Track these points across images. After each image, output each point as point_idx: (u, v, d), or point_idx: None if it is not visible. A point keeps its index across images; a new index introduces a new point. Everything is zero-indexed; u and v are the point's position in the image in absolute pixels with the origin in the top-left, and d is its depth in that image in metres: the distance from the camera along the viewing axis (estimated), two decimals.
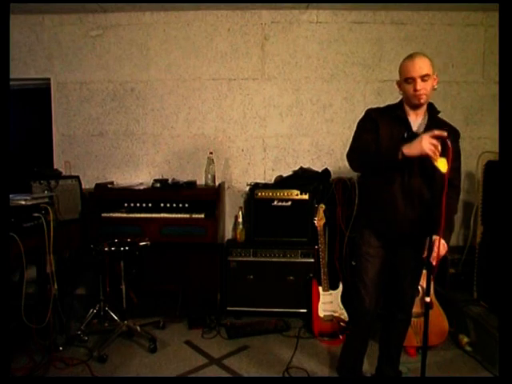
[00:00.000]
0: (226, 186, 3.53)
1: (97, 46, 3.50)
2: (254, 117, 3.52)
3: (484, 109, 3.43)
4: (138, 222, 2.98)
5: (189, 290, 3.15)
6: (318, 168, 3.39)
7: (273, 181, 3.40)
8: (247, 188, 3.36)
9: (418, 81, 1.84)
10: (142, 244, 2.76)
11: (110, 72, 3.52)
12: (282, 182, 3.27)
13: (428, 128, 1.89)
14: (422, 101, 1.87)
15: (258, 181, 3.41)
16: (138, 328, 2.83)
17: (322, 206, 2.91)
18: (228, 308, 3.12)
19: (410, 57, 1.89)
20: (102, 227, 2.99)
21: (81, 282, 3.53)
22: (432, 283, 1.78)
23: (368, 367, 2.42)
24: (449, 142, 1.66)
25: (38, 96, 3.71)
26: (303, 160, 3.50)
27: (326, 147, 3.51)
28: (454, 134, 1.91)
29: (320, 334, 2.83)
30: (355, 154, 2.02)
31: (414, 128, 1.92)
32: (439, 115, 1.99)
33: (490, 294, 2.73)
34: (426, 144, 1.67)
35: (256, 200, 3.16)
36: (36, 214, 2.38)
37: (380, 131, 1.93)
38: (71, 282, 3.44)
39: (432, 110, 1.97)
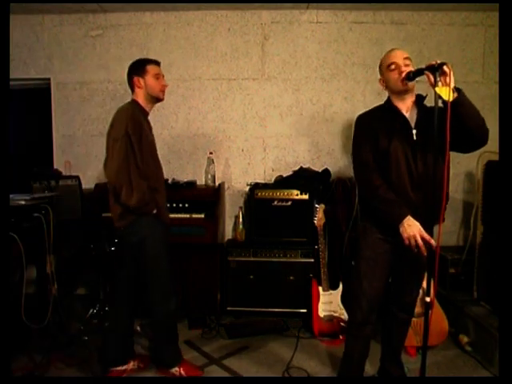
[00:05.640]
0: (226, 186, 3.53)
1: (97, 46, 3.50)
2: (254, 117, 3.52)
3: (484, 109, 3.34)
4: None
5: (189, 290, 3.15)
6: (318, 168, 3.40)
7: (273, 181, 3.40)
8: (247, 188, 3.35)
9: (402, 63, 1.87)
10: None
11: (110, 72, 3.52)
12: (281, 182, 3.27)
13: (420, 112, 1.92)
14: (407, 85, 1.86)
15: (258, 181, 3.41)
16: (138, 328, 2.83)
17: (322, 206, 2.91)
18: (228, 308, 3.12)
19: (389, 50, 1.96)
20: (102, 227, 2.99)
21: (81, 282, 3.53)
22: (433, 283, 1.76)
23: (369, 368, 2.43)
24: (446, 68, 1.64)
25: (38, 96, 3.72)
26: (303, 160, 3.50)
27: (326, 147, 3.51)
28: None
29: (320, 334, 2.83)
30: (362, 184, 2.02)
31: (408, 118, 1.91)
32: (427, 99, 1.98)
33: (490, 294, 2.73)
34: (413, 233, 1.75)
35: (256, 200, 3.16)
36: (36, 214, 2.38)
37: (378, 132, 1.91)
38: (71, 282, 3.44)
39: (419, 100, 1.97)
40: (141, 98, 2.27)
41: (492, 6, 3.19)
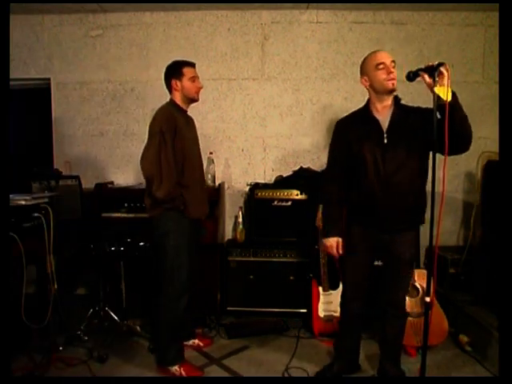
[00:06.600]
0: (226, 186, 3.53)
1: (97, 46, 3.50)
2: (254, 117, 3.52)
3: (484, 109, 3.43)
4: (138, 222, 2.97)
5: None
6: (318, 168, 3.40)
7: (273, 181, 3.40)
8: (247, 188, 3.36)
9: (391, 64, 1.95)
10: (141, 244, 2.76)
11: (110, 72, 3.52)
12: (282, 182, 3.27)
13: (395, 112, 2.02)
14: (394, 85, 1.95)
15: (258, 181, 3.41)
16: (138, 328, 2.84)
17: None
18: (228, 308, 3.12)
19: (374, 51, 2.03)
20: (102, 227, 2.99)
21: (81, 282, 3.53)
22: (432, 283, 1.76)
23: (369, 368, 2.43)
24: (442, 69, 1.67)
25: (38, 96, 3.72)
26: (303, 160, 3.50)
27: (326, 147, 3.49)
28: (429, 113, 1.89)
29: (320, 334, 2.83)
30: (324, 185, 2.27)
31: (382, 122, 2.02)
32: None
33: (489, 294, 2.73)
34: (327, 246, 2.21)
35: (256, 200, 3.16)
36: (36, 214, 2.38)
37: (351, 136, 2.08)
38: (71, 282, 3.44)
39: (396, 100, 2.07)
40: (178, 99, 2.40)
41: (492, 6, 3.19)
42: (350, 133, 2.09)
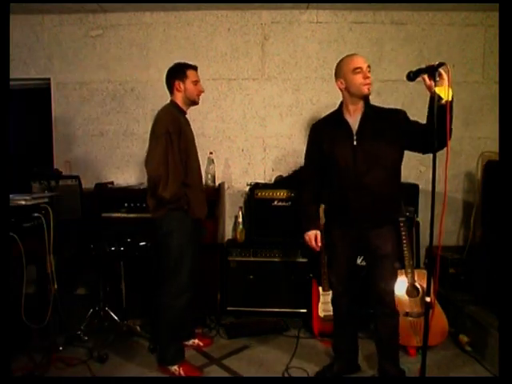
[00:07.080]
0: (226, 186, 3.53)
1: (97, 46, 3.50)
2: (254, 117, 3.52)
3: (484, 109, 3.43)
4: (138, 222, 2.97)
5: None
6: None
7: (273, 181, 3.40)
8: (247, 188, 3.35)
9: (367, 69, 2.01)
10: (141, 244, 2.76)
11: (110, 72, 3.52)
12: (282, 182, 3.27)
13: (364, 115, 2.08)
14: (369, 90, 2.03)
15: (258, 181, 3.41)
16: (138, 328, 2.84)
17: (322, 206, 2.90)
18: (228, 308, 3.12)
19: (351, 55, 2.08)
20: (102, 227, 2.99)
21: (81, 282, 3.53)
22: (433, 283, 1.76)
23: (368, 368, 2.43)
24: (441, 70, 1.69)
25: (38, 96, 3.72)
26: (303, 160, 3.48)
27: None
28: (399, 114, 2.08)
29: (320, 334, 2.83)
30: (300, 184, 2.38)
31: (352, 125, 2.08)
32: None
33: (489, 294, 2.73)
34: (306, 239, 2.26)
35: (256, 200, 3.16)
36: (36, 214, 2.38)
37: (324, 138, 2.15)
38: (71, 282, 3.44)
39: (366, 102, 2.12)
40: (179, 100, 2.44)
41: (492, 6, 3.19)
42: (324, 135, 2.17)
